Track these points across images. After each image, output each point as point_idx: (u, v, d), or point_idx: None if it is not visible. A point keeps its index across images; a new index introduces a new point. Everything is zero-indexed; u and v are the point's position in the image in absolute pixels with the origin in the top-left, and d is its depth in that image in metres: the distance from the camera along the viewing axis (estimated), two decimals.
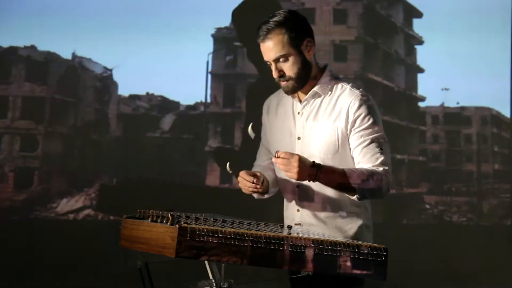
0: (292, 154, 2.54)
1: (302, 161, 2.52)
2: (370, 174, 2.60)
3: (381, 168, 2.62)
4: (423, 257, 4.31)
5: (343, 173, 2.59)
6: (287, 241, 2.19)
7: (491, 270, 4.32)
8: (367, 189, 2.60)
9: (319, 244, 2.22)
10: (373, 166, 2.63)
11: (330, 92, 2.74)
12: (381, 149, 2.65)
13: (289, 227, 2.42)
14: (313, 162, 2.57)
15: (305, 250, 2.20)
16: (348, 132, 2.68)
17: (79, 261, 4.21)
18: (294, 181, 2.76)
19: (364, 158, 2.66)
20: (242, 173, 2.73)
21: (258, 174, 2.73)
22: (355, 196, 2.62)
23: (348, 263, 2.25)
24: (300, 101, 2.80)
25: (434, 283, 4.32)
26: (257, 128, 3.07)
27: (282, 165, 2.54)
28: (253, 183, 2.68)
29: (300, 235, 2.27)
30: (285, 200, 2.89)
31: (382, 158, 2.64)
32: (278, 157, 2.56)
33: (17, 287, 4.25)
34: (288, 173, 2.55)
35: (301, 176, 2.53)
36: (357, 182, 2.58)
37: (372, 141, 2.65)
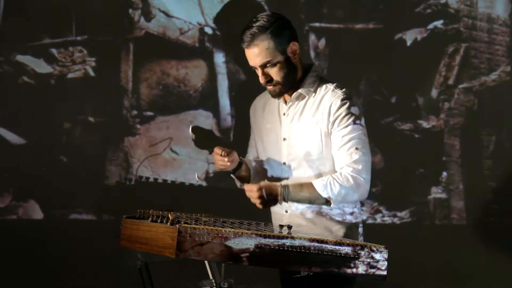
0: (253, 186, 2.61)
1: (263, 190, 2.58)
2: (338, 180, 2.59)
3: (351, 168, 2.61)
4: (423, 257, 4.30)
5: (311, 186, 2.60)
6: (287, 241, 2.19)
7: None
8: (339, 196, 2.59)
9: (319, 244, 2.22)
10: (346, 165, 2.63)
11: (314, 93, 2.74)
12: (356, 148, 2.64)
13: (289, 227, 2.42)
14: (281, 184, 2.63)
15: (305, 250, 2.21)
16: (329, 132, 2.68)
17: (79, 261, 4.20)
18: (282, 183, 2.76)
19: (340, 157, 2.66)
20: (216, 148, 2.79)
21: (230, 151, 2.77)
22: (331, 205, 2.62)
23: (349, 263, 2.25)
24: (286, 102, 2.80)
25: (434, 283, 4.31)
26: (244, 129, 3.09)
27: (249, 197, 2.63)
28: (221, 155, 2.74)
29: (301, 235, 2.27)
30: None
31: (356, 157, 2.62)
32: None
33: (16, 287, 4.24)
34: (254, 202, 2.63)
35: (264, 204, 2.61)
36: (327, 193, 2.58)
37: (349, 141, 2.64)
